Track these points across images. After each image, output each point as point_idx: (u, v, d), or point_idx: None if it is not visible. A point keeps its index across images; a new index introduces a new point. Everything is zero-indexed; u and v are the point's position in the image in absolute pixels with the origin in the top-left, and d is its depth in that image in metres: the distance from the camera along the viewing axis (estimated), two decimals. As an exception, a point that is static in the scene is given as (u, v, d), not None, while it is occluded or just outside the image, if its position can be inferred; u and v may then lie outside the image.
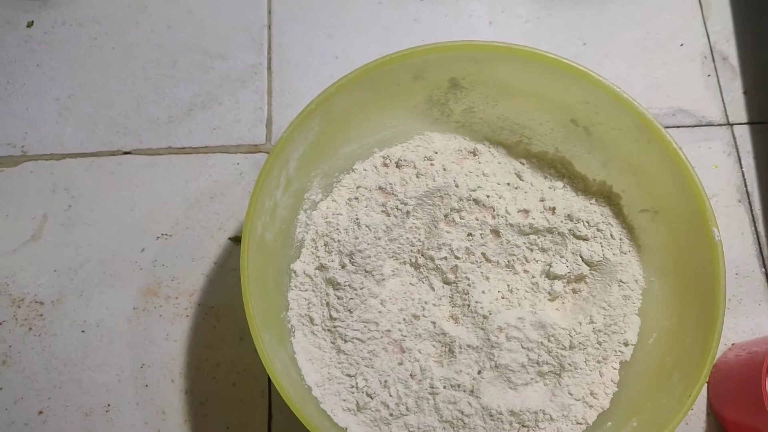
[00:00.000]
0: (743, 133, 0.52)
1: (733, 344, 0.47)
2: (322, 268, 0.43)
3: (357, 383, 0.41)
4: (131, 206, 0.50)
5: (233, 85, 0.54)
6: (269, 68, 0.54)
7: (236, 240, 0.49)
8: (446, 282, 0.44)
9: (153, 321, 0.47)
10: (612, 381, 0.42)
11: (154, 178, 0.51)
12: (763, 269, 0.48)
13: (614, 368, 0.42)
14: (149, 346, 0.47)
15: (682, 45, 0.54)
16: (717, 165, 0.51)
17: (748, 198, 0.50)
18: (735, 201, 0.50)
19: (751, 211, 0.50)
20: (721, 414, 0.45)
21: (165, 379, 0.46)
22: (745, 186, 0.50)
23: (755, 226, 0.49)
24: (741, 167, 0.51)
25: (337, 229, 0.44)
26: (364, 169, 0.47)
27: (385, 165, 0.47)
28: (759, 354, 0.43)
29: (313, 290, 0.43)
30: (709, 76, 0.53)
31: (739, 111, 0.52)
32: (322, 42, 0.55)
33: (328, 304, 0.42)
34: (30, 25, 0.55)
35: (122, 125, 0.52)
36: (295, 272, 0.43)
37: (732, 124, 0.52)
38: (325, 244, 0.44)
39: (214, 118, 0.53)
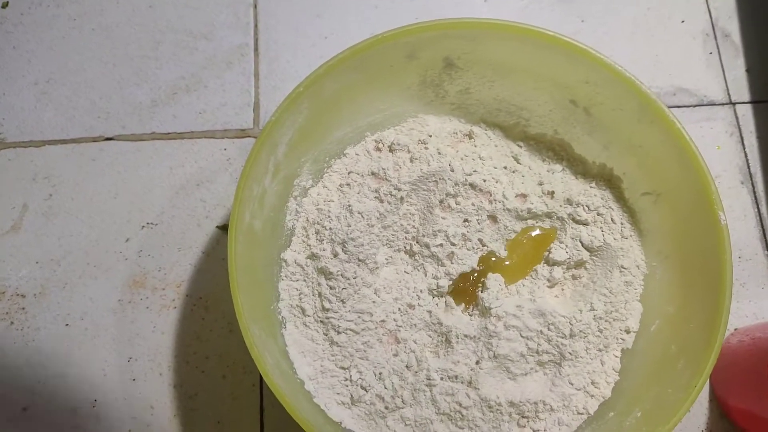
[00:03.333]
0: (746, 113, 0.50)
1: (735, 329, 0.46)
2: (313, 257, 0.42)
3: (351, 376, 0.39)
4: (114, 194, 0.48)
5: (219, 67, 0.51)
6: (256, 49, 0.52)
7: (224, 228, 0.48)
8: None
9: (139, 313, 0.46)
10: (614, 369, 0.40)
11: (137, 165, 0.49)
12: (766, 252, 0.47)
13: (616, 356, 0.41)
14: (136, 339, 0.45)
15: (683, 22, 0.53)
16: (720, 145, 0.49)
17: (751, 179, 0.49)
18: (738, 182, 0.49)
19: (754, 192, 0.48)
20: (724, 400, 0.44)
21: (153, 372, 0.44)
22: (748, 167, 0.49)
23: (758, 208, 0.48)
24: (744, 147, 0.49)
25: (329, 216, 0.42)
26: (356, 154, 0.45)
27: (378, 149, 0.45)
28: (762, 340, 0.42)
29: (305, 280, 0.42)
30: (711, 53, 0.52)
31: (741, 90, 0.51)
32: (310, 22, 0.53)
33: (320, 294, 0.41)
34: (5, 5, 0.53)
35: (104, 110, 0.50)
36: (285, 261, 0.42)
37: (734, 103, 0.50)
38: (316, 232, 0.42)
39: (199, 101, 0.51)
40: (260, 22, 0.53)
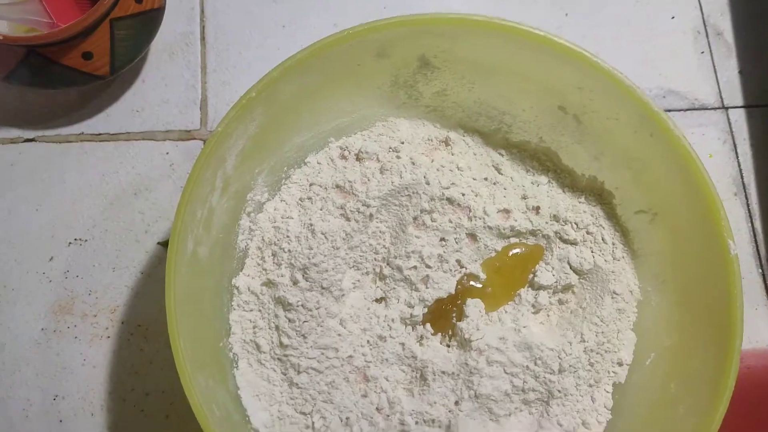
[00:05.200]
0: (739, 118, 0.47)
1: (727, 354, 0.43)
2: (269, 284, 0.36)
3: (313, 423, 0.35)
4: (37, 206, 0.43)
5: (159, 57, 0.46)
6: (203, 38, 0.46)
7: (167, 245, 0.42)
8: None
9: (67, 344, 0.41)
10: (605, 407, 0.37)
11: (64, 171, 0.44)
12: (761, 270, 0.44)
13: (607, 391, 0.37)
14: (63, 374, 0.40)
15: (673, 18, 0.49)
16: (712, 154, 0.46)
17: (745, 191, 0.45)
18: (731, 194, 0.45)
19: (748, 205, 0.45)
20: None
21: (83, 412, 0.40)
22: (741, 177, 0.46)
23: (752, 223, 0.45)
24: (737, 156, 0.46)
25: (288, 236, 0.37)
26: (318, 163, 0.40)
27: (344, 157, 0.40)
28: (758, 369, 0.39)
29: (260, 310, 0.36)
30: (702, 53, 0.48)
31: (734, 93, 0.47)
32: (265, 7, 0.47)
33: (277, 327, 0.36)
34: None
35: (23, 107, 0.44)
36: (237, 289, 0.37)
37: (727, 108, 0.47)
38: (273, 254, 0.37)
39: (136, 98, 0.45)
40: (207, 7, 0.47)
